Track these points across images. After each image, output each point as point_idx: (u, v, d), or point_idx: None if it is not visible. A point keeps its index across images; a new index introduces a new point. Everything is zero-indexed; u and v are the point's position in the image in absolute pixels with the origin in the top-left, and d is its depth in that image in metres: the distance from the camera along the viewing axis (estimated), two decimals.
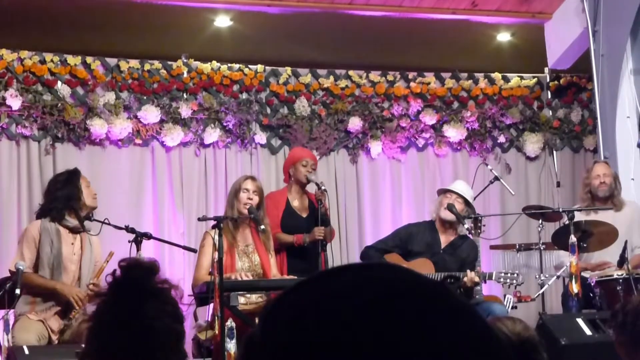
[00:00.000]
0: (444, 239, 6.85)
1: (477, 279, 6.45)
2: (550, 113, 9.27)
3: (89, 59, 7.95)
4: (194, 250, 6.39)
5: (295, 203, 6.96)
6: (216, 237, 5.74)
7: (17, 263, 5.65)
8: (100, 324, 2.39)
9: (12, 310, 5.68)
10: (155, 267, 2.43)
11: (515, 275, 6.52)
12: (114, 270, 2.43)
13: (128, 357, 2.35)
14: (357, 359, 0.82)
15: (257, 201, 6.32)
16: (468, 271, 6.48)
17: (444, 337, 0.84)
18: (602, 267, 6.83)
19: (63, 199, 5.95)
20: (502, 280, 6.54)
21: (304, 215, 6.93)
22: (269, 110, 8.51)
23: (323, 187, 6.74)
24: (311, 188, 7.02)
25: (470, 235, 6.74)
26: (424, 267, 6.58)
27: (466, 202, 6.82)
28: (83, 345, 5.10)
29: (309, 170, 6.90)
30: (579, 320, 5.66)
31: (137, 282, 2.40)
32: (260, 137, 8.42)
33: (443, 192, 6.94)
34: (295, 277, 6.22)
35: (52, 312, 5.81)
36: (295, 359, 0.85)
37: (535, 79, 9.24)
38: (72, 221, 5.96)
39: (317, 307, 0.86)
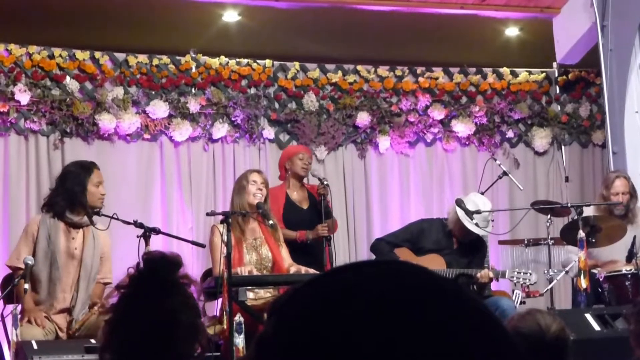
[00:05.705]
0: (457, 240, 6.77)
1: (491, 275, 6.43)
2: (559, 108, 9.24)
3: (97, 54, 7.96)
4: (202, 245, 6.38)
5: (294, 196, 7.03)
6: (224, 231, 5.74)
7: (25, 258, 5.62)
8: (123, 317, 2.37)
9: (19, 305, 5.66)
10: (179, 262, 2.42)
11: (529, 274, 6.50)
12: (137, 263, 2.42)
13: (151, 350, 2.34)
14: (367, 358, 0.82)
15: (265, 194, 6.34)
16: (485, 269, 6.45)
17: (455, 336, 0.84)
18: (614, 264, 6.79)
19: (66, 197, 5.80)
20: (514, 279, 6.53)
21: (305, 206, 7.01)
22: (277, 105, 8.50)
23: (325, 182, 6.81)
24: (314, 184, 7.05)
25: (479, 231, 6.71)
26: (435, 263, 6.54)
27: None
28: (92, 340, 5.14)
29: (306, 164, 7.01)
30: (588, 316, 5.65)
31: (162, 275, 2.39)
32: (269, 132, 8.42)
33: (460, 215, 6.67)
34: (304, 269, 6.21)
35: (56, 309, 5.79)
36: (306, 357, 0.84)
37: (544, 73, 9.22)
38: (74, 217, 5.83)
39: (328, 305, 0.86)
